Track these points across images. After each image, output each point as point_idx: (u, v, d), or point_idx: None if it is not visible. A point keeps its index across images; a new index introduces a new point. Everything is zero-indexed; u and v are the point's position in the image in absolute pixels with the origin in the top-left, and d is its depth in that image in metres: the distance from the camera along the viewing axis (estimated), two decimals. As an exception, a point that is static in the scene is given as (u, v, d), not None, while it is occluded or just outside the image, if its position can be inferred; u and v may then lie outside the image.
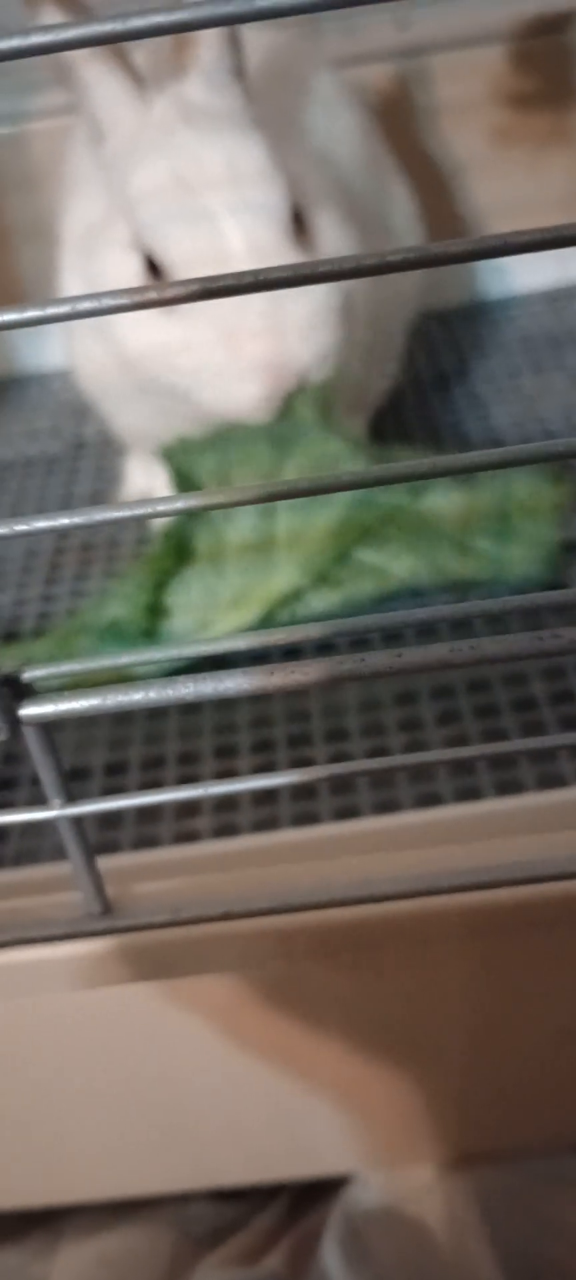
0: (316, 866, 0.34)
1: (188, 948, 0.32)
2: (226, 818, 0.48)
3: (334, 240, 0.54)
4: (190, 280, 0.23)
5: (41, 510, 0.73)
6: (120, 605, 0.56)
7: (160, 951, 0.32)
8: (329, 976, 0.40)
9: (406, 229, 0.66)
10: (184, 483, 0.56)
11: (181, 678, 0.26)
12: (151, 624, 0.55)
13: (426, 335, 0.80)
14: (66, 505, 0.72)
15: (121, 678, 0.55)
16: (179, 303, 0.23)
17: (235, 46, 0.53)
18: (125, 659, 0.27)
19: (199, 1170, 0.48)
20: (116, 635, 0.55)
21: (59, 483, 0.75)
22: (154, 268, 0.53)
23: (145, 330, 0.53)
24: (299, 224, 0.52)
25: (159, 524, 0.64)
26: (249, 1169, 0.48)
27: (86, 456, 0.77)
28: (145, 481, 0.69)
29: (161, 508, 0.26)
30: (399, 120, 0.76)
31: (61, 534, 0.70)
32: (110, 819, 0.48)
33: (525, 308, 0.82)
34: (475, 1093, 0.45)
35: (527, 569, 0.54)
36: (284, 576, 0.55)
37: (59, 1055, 0.42)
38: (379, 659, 0.25)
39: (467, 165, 0.81)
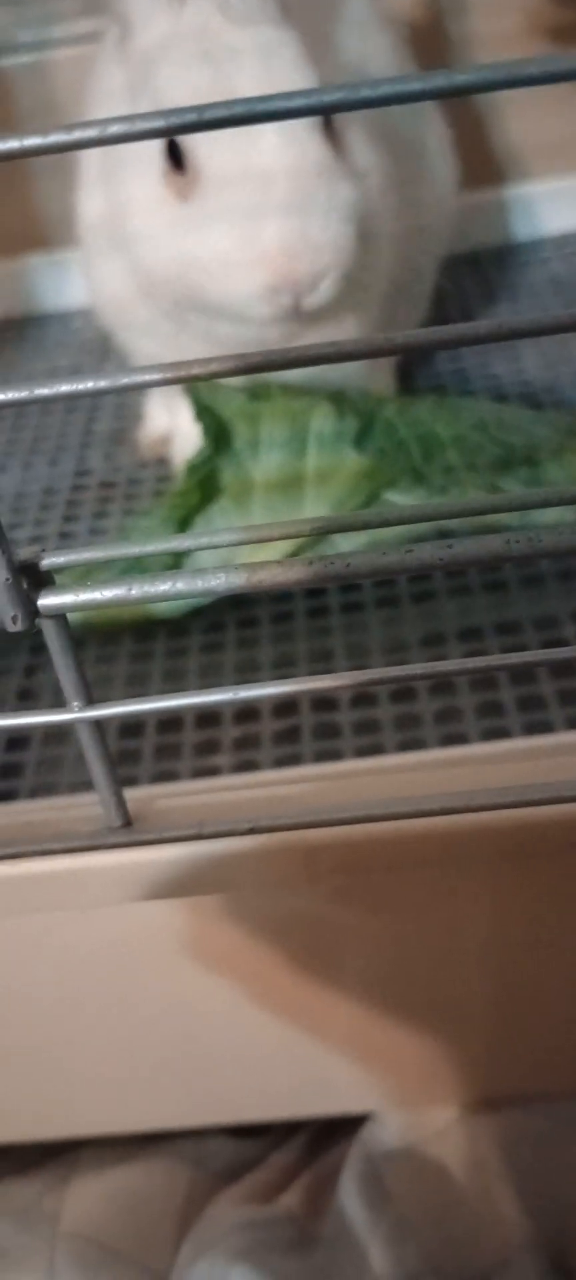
0: (341, 786, 0.33)
1: (211, 864, 0.32)
2: (247, 755, 0.47)
3: (364, 155, 0.52)
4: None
5: (61, 449, 0.72)
6: (142, 541, 0.55)
7: (183, 867, 0.32)
8: (352, 910, 0.39)
9: (440, 158, 0.65)
10: (209, 419, 0.55)
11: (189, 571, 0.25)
12: (175, 561, 0.54)
13: (456, 276, 0.78)
14: (86, 443, 0.71)
15: (143, 613, 0.55)
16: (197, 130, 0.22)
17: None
18: (151, 548, 0.25)
19: (216, 1105, 0.48)
20: (139, 571, 0.54)
21: (80, 419, 0.74)
22: (176, 158, 0.51)
23: (161, 222, 0.51)
24: (329, 130, 0.50)
25: (181, 462, 0.63)
26: (267, 1105, 0.48)
27: (106, 395, 0.76)
28: (167, 419, 0.68)
29: (138, 379, 0.25)
30: (435, 51, 0.74)
31: (80, 471, 0.69)
32: (128, 755, 0.47)
33: (557, 249, 0.80)
34: (499, 1035, 0.45)
35: (559, 514, 0.53)
36: (311, 516, 0.54)
37: (76, 981, 0.41)
38: (364, 559, 0.24)
39: (503, 100, 0.78)
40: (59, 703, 0.51)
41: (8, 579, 0.24)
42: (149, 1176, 0.48)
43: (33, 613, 0.25)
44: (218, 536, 0.25)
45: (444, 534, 0.54)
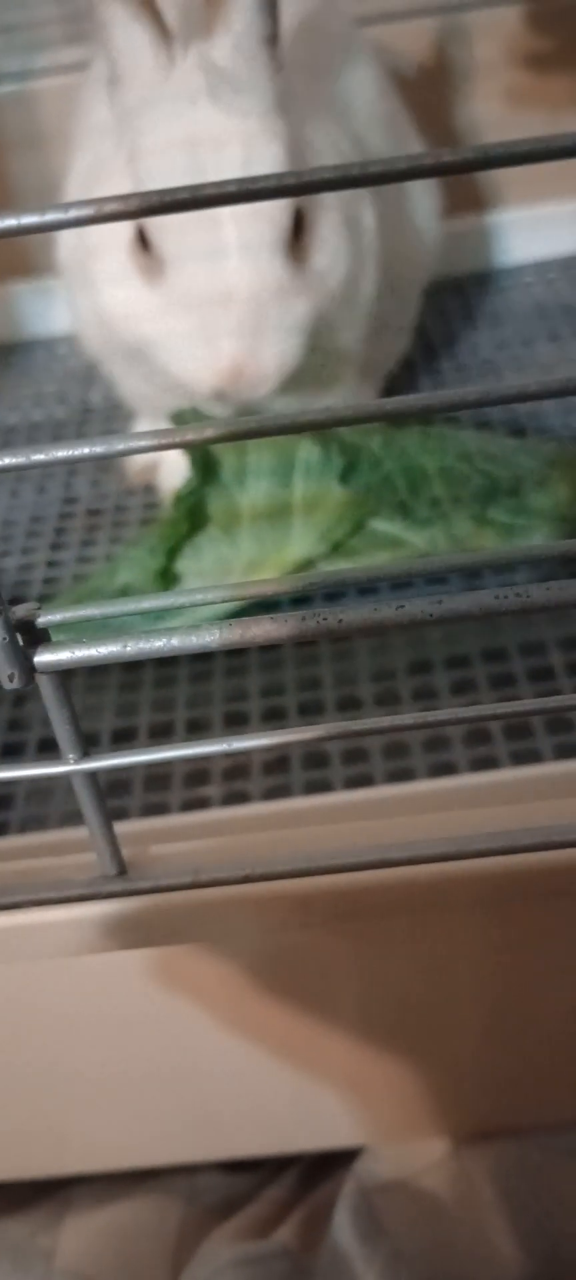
0: (335, 830, 0.33)
1: (205, 912, 0.32)
2: (236, 785, 0.47)
3: (332, 247, 0.54)
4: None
5: (48, 476, 0.72)
6: (131, 571, 0.55)
7: (177, 915, 0.32)
8: (344, 949, 0.40)
9: (424, 187, 0.65)
10: (196, 449, 0.55)
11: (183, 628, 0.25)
12: (163, 590, 0.54)
13: (439, 302, 0.78)
14: (73, 470, 0.71)
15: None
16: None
17: (271, 10, 0.50)
18: (147, 604, 0.26)
19: (209, 1141, 0.48)
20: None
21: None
22: (143, 236, 0.52)
23: (123, 291, 0.53)
24: (300, 224, 0.52)
25: (168, 489, 0.63)
26: (259, 1140, 0.48)
27: (93, 422, 0.76)
28: (153, 447, 0.68)
29: (134, 444, 0.25)
30: (414, 82, 0.75)
31: (67, 499, 0.69)
32: (118, 784, 0.47)
33: (538, 275, 0.81)
34: (491, 1067, 0.45)
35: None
36: (299, 545, 0.54)
37: (68, 1022, 0.41)
38: (356, 613, 0.25)
39: (484, 128, 0.79)
40: (49, 731, 0.51)
41: (5, 638, 0.24)
42: (142, 1213, 0.48)
43: (29, 670, 0.25)
44: (210, 593, 0.26)
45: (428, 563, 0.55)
